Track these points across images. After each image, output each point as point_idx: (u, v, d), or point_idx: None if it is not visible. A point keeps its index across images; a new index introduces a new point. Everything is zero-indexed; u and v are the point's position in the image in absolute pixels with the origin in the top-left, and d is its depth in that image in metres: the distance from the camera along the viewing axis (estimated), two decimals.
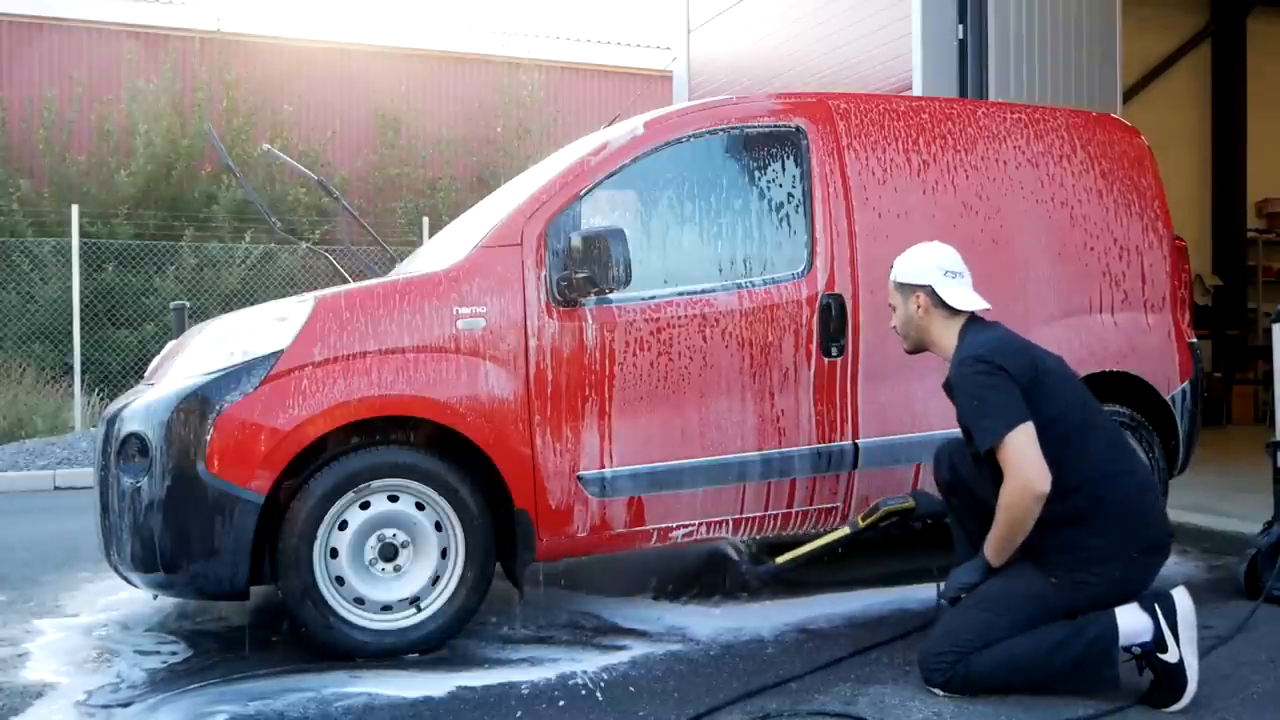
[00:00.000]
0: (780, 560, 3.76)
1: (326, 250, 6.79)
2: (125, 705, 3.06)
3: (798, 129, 4.11)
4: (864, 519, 3.59)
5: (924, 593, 4.09)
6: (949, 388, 3.23)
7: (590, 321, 3.69)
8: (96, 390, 11.10)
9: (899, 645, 3.48)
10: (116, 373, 11.65)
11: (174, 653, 3.59)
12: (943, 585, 3.21)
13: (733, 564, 3.91)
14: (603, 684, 3.17)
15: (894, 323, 3.45)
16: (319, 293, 3.66)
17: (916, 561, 4.52)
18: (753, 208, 4.02)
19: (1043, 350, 3.26)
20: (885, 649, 3.45)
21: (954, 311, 3.28)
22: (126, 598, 4.30)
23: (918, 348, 3.41)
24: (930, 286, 3.28)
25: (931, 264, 3.32)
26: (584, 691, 3.11)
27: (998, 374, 3.03)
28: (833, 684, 3.12)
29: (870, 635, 3.63)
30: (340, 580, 3.42)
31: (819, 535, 3.81)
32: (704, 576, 4.54)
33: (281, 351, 3.40)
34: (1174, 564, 4.63)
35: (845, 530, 3.67)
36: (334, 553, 3.42)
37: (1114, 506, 2.99)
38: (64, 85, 13.68)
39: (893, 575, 4.40)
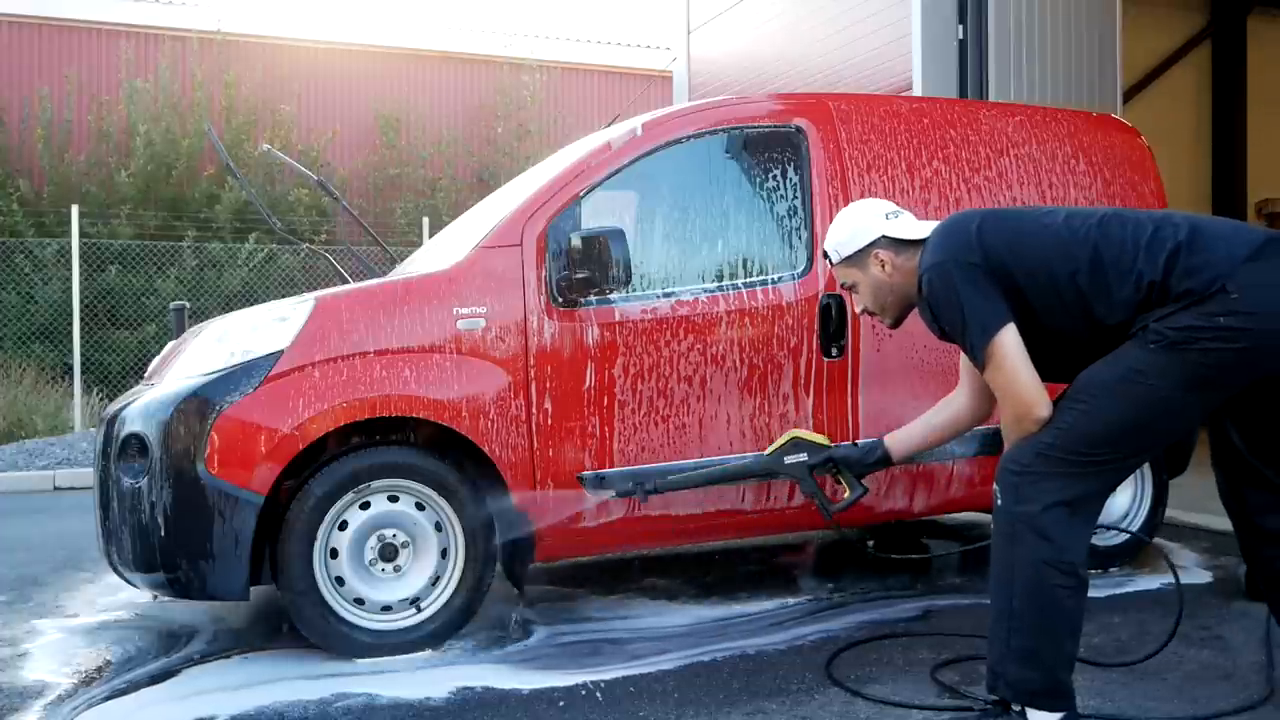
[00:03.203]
0: (673, 477, 3.60)
1: (327, 251, 6.79)
2: (125, 706, 3.06)
3: (798, 129, 4.11)
4: (771, 448, 3.29)
5: (906, 606, 4.10)
6: (932, 319, 2.80)
7: (590, 322, 3.69)
8: (96, 390, 11.11)
9: (899, 644, 3.49)
10: (116, 373, 11.66)
11: (174, 653, 3.59)
12: None
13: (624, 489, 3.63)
14: (603, 684, 3.17)
15: (861, 304, 2.99)
16: (319, 293, 3.65)
17: (913, 577, 4.52)
18: (752, 208, 4.02)
19: (991, 210, 2.88)
20: (886, 648, 3.46)
21: (916, 247, 2.83)
22: (126, 598, 4.30)
23: (902, 313, 2.94)
24: (883, 235, 2.87)
25: (870, 215, 2.92)
26: (584, 692, 3.11)
27: (950, 266, 2.64)
28: (832, 684, 3.12)
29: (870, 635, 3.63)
30: (340, 580, 3.42)
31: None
32: (704, 576, 4.55)
33: (281, 352, 3.40)
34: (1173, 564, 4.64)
35: (748, 458, 3.48)
36: (334, 553, 3.42)
37: (1197, 239, 2.54)
38: (63, 85, 13.69)
39: (889, 587, 4.39)
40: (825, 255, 3.04)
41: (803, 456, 3.23)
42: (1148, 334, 2.53)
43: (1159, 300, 2.53)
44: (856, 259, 2.92)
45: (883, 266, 2.88)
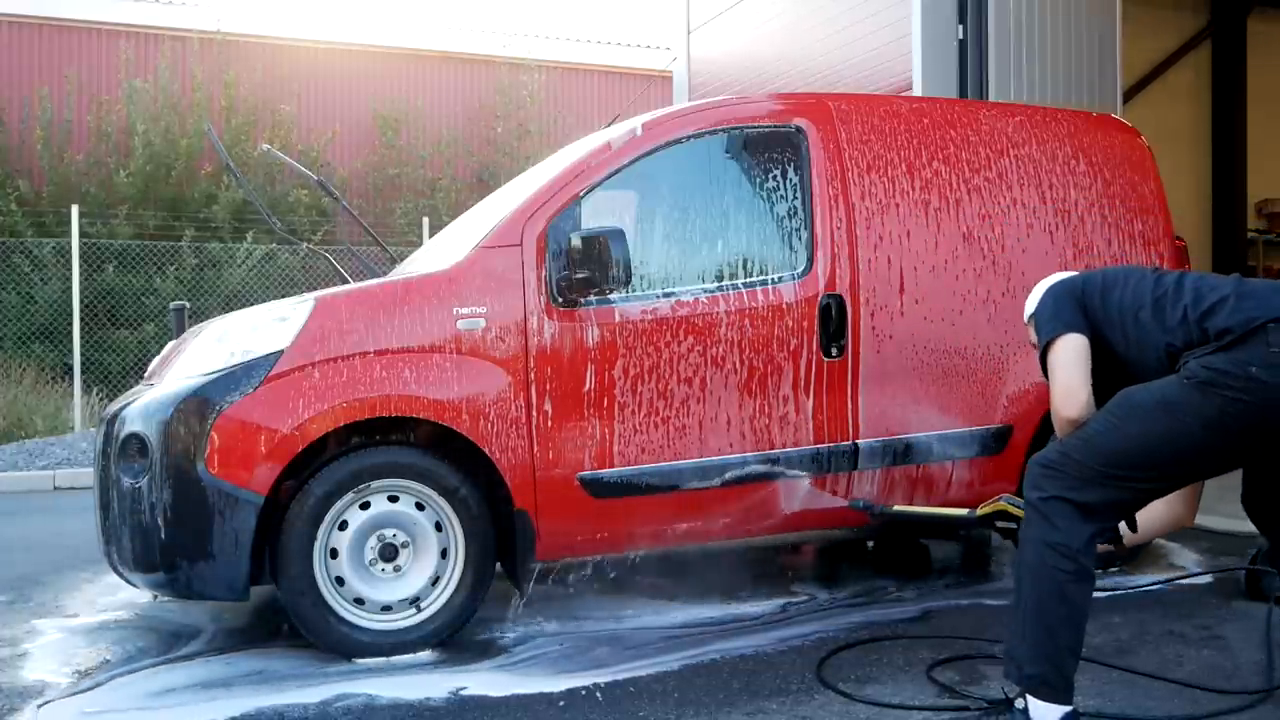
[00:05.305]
0: (897, 508, 3.89)
1: (326, 251, 6.79)
2: (124, 705, 3.06)
3: (798, 129, 4.11)
4: (981, 510, 3.41)
5: (904, 608, 4.09)
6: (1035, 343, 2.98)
7: (590, 322, 3.69)
8: (96, 390, 11.11)
9: (899, 645, 3.49)
10: (116, 373, 11.65)
11: (173, 653, 3.59)
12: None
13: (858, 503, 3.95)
14: (602, 684, 3.17)
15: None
16: (319, 293, 3.66)
17: (911, 578, 4.52)
18: (752, 208, 4.02)
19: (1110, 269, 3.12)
20: (884, 648, 3.46)
21: None
22: (126, 598, 4.30)
23: None
24: None
25: (1053, 281, 3.05)
26: (584, 692, 3.11)
27: (1054, 289, 2.91)
28: (824, 687, 3.11)
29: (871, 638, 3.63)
30: (340, 580, 3.43)
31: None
32: (704, 576, 4.55)
33: (281, 352, 3.41)
34: (1173, 564, 4.64)
35: (962, 512, 3.62)
36: (334, 553, 3.42)
37: (1247, 288, 2.71)
38: (63, 85, 13.69)
39: (888, 588, 4.39)
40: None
41: (1013, 525, 3.33)
42: (1185, 370, 2.64)
43: (1201, 338, 2.66)
44: (1033, 319, 3.07)
45: None
